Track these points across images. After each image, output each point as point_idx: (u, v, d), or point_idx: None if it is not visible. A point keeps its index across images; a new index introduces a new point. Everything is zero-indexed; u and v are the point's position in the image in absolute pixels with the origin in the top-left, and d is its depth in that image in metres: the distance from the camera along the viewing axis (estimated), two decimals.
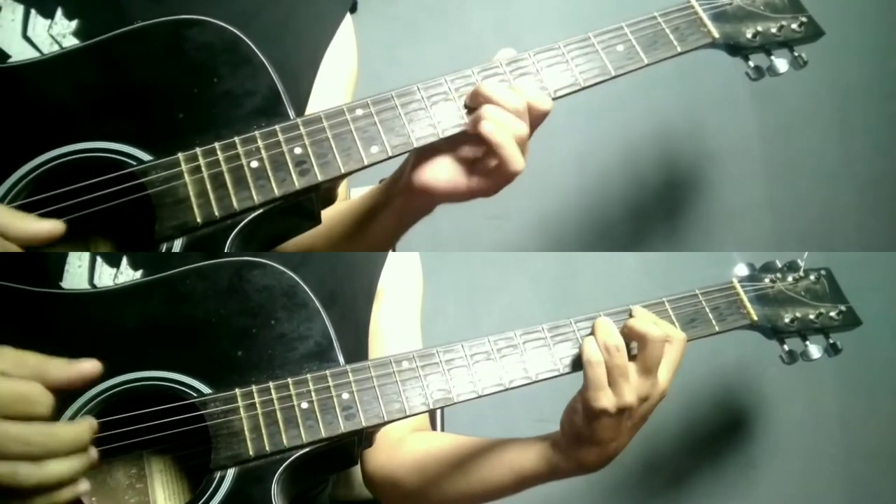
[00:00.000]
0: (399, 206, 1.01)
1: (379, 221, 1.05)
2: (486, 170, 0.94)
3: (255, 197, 0.88)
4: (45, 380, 0.77)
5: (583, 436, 0.98)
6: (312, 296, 0.93)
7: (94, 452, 0.79)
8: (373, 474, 1.15)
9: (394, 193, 1.01)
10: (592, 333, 0.98)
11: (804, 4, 1.09)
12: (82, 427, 0.79)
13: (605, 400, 0.95)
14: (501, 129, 0.90)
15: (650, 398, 0.97)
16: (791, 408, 1.71)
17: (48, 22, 0.96)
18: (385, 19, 1.73)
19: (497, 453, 1.06)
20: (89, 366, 0.80)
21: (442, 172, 0.95)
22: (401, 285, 1.16)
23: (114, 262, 0.95)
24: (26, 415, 0.76)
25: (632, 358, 0.97)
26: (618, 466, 1.63)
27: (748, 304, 1.08)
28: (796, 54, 1.07)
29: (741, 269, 1.12)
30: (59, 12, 0.96)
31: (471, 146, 0.94)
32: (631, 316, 1.00)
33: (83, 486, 0.78)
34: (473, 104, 0.93)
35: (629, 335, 0.97)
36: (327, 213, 1.10)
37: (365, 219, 1.07)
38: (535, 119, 0.93)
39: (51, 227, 0.83)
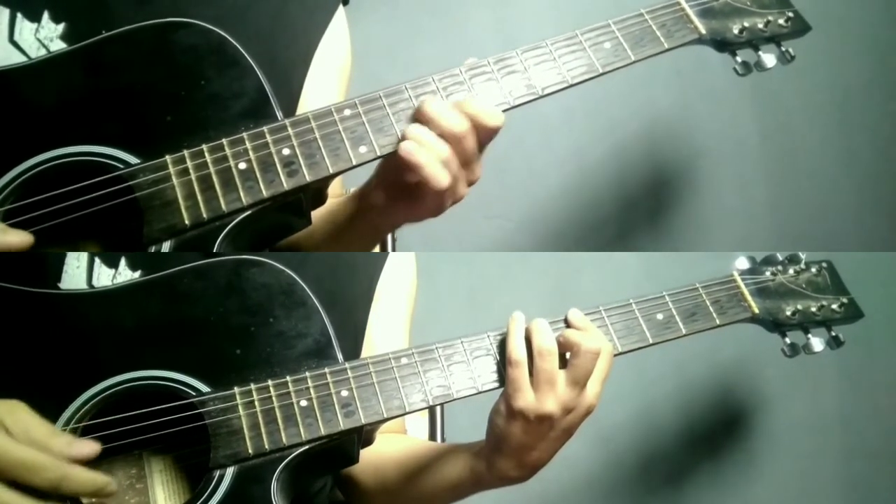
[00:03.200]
0: (371, 217, 1.02)
1: (355, 229, 1.05)
2: (418, 189, 0.92)
3: (243, 198, 0.88)
4: (48, 450, 0.78)
5: (501, 441, 0.96)
6: (311, 294, 0.93)
7: None
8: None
9: (364, 204, 1.01)
10: (526, 334, 0.96)
11: (805, 5, 1.09)
12: None
13: (522, 400, 0.92)
14: (420, 148, 0.89)
15: (576, 410, 0.94)
16: (791, 407, 1.70)
17: (35, 25, 0.95)
18: (384, 18, 1.73)
19: (437, 462, 1.05)
20: (89, 449, 0.81)
21: (384, 193, 0.96)
22: (394, 289, 1.15)
23: (112, 263, 0.94)
24: (26, 482, 0.76)
25: (562, 366, 0.95)
26: (617, 466, 1.66)
27: (749, 297, 1.07)
28: (784, 49, 1.07)
29: (742, 262, 1.11)
30: (45, 16, 0.95)
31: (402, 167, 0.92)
32: (567, 323, 0.98)
33: None
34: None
35: (563, 345, 0.95)
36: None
37: (343, 224, 1.07)
38: (484, 133, 0.91)
39: (18, 239, 0.83)
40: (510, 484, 0.99)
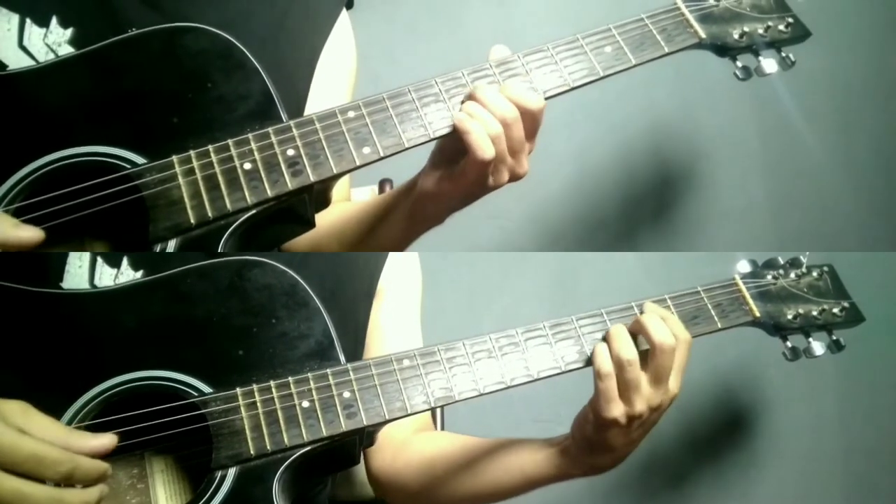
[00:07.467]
0: (408, 211, 1.02)
1: (389, 224, 1.06)
2: (464, 167, 0.94)
3: (248, 198, 0.88)
4: (68, 446, 0.79)
5: (594, 443, 0.99)
6: (313, 294, 0.93)
7: None
8: (378, 474, 1.14)
9: (406, 198, 1.02)
10: (605, 340, 0.98)
11: (797, 5, 1.09)
12: (90, 494, 0.80)
13: (616, 411, 0.95)
14: (470, 119, 0.91)
15: (661, 405, 0.97)
16: (791, 408, 1.71)
17: (43, 31, 0.96)
18: (385, 19, 1.73)
19: (507, 455, 1.06)
20: (108, 441, 0.81)
21: (434, 177, 0.97)
22: (401, 284, 1.16)
23: (114, 263, 0.95)
24: (38, 475, 0.77)
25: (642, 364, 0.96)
26: (618, 466, 1.65)
27: (751, 301, 1.07)
28: (784, 55, 1.07)
29: (743, 266, 1.11)
30: (53, 21, 0.96)
31: (454, 144, 0.94)
32: (641, 313, 1.00)
33: None
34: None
35: (635, 333, 0.97)
36: (339, 213, 1.10)
37: (376, 220, 1.07)
38: (529, 118, 0.93)
39: (30, 234, 0.83)
40: (599, 473, 1.04)
